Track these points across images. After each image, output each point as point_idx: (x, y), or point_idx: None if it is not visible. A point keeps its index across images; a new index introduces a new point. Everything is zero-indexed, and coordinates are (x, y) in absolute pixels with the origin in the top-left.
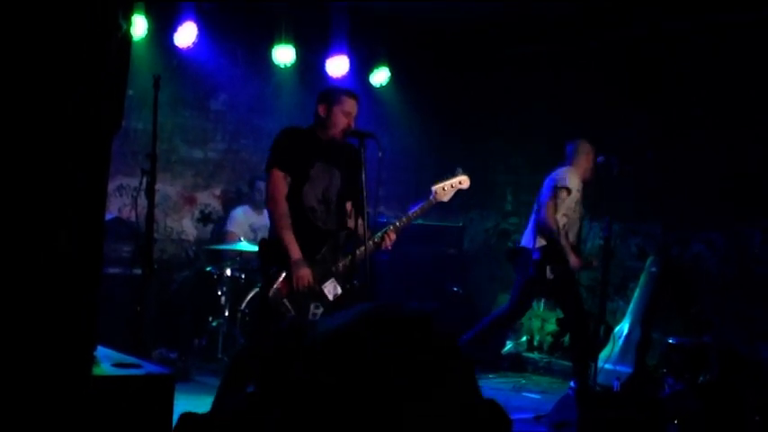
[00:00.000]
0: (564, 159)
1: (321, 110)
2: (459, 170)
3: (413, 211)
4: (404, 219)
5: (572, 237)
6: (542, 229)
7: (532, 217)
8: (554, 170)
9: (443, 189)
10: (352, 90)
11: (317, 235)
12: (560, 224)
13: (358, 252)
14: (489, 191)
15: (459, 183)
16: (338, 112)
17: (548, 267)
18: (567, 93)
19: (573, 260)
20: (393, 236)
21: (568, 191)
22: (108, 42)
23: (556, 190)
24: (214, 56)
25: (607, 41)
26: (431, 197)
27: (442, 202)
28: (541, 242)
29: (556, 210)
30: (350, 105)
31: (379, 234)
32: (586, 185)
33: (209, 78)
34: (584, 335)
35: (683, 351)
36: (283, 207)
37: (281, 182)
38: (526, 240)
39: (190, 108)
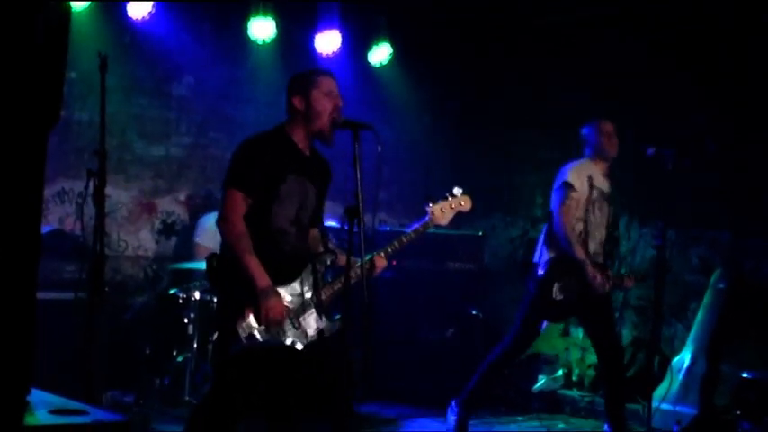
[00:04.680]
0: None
1: (297, 102)
2: (459, 190)
3: (408, 232)
4: (395, 243)
5: (594, 247)
6: (550, 238)
7: (545, 226)
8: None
9: (441, 210)
10: (324, 68)
11: (285, 261)
12: (576, 232)
13: (342, 279)
14: (515, 192)
15: (460, 204)
16: (318, 96)
17: (555, 285)
18: (611, 71)
19: (593, 276)
20: (383, 263)
21: (570, 187)
22: (37, 17)
23: (560, 190)
24: (176, 30)
25: (661, 6)
26: (426, 219)
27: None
28: (550, 254)
29: (567, 213)
30: (328, 84)
31: (365, 259)
32: (610, 178)
33: (169, 58)
34: (617, 369)
35: (761, 388)
36: (241, 227)
37: (240, 203)
38: (536, 253)
39: (147, 95)
